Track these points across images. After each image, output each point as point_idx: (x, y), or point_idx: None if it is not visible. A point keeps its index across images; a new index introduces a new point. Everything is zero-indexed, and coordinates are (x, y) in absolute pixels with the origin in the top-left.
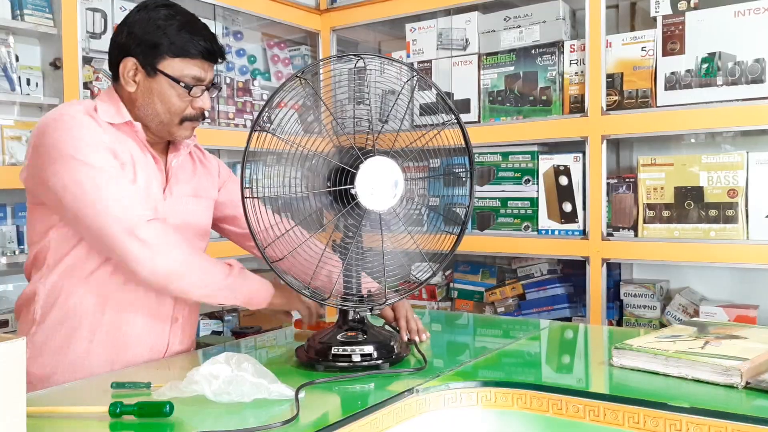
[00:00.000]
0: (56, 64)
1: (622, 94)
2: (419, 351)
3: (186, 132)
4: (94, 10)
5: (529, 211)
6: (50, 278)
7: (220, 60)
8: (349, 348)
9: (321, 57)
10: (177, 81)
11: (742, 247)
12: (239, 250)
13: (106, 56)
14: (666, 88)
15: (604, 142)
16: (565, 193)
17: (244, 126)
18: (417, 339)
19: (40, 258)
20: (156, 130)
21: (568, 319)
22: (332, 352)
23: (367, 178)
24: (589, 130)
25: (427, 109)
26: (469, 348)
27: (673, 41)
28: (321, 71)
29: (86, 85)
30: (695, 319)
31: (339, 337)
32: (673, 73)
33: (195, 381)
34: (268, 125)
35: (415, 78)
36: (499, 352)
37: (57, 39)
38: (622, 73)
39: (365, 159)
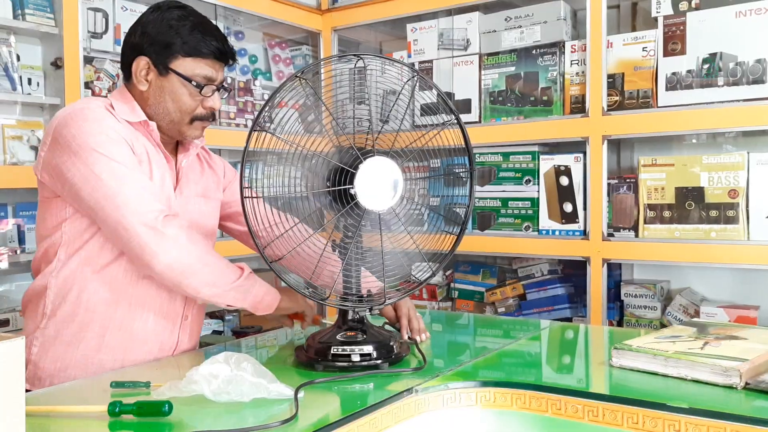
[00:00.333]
0: (57, 64)
1: (623, 95)
2: (419, 351)
3: (196, 132)
4: (96, 9)
5: (530, 212)
6: (62, 272)
7: (231, 62)
8: (348, 348)
9: (322, 57)
10: (188, 80)
11: (742, 247)
12: (242, 249)
13: (107, 56)
14: (667, 89)
15: (605, 142)
16: (565, 194)
17: (245, 126)
18: (417, 338)
19: (51, 252)
20: (167, 129)
21: (569, 320)
22: (332, 351)
23: (366, 178)
24: (589, 131)
25: (427, 110)
26: (469, 348)
27: (674, 41)
28: (322, 71)
29: (87, 85)
30: (695, 319)
31: (338, 336)
32: (674, 73)
33: (194, 380)
34: (268, 125)
35: (416, 78)
36: (498, 352)
37: (58, 39)
38: (623, 74)
39: (365, 159)
